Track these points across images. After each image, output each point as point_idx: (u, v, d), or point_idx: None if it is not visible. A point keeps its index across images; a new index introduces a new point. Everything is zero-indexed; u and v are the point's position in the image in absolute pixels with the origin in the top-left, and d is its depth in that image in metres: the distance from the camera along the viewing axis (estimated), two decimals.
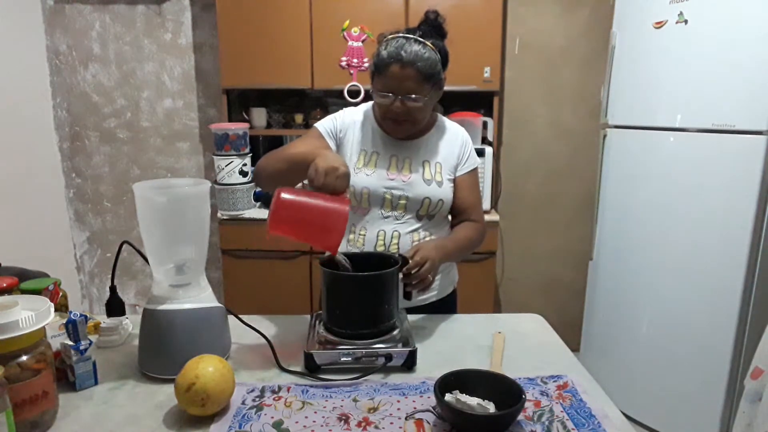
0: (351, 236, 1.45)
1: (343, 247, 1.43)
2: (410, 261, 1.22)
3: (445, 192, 1.43)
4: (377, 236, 1.42)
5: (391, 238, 1.41)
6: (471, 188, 1.50)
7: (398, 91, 1.31)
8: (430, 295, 1.47)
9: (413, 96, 1.31)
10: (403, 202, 1.41)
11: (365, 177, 1.41)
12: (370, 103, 1.51)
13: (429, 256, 1.24)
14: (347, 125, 1.46)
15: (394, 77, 1.30)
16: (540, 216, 3.12)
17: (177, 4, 2.90)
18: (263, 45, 2.62)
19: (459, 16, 2.60)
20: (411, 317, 1.30)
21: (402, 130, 1.40)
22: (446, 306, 1.53)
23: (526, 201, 3.10)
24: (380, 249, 1.41)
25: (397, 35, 1.33)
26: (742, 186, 1.98)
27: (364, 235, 1.42)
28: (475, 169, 1.51)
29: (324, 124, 1.47)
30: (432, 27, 1.36)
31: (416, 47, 1.29)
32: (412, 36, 1.31)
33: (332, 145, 1.44)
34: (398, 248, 1.41)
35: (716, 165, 2.05)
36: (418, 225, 1.43)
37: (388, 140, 1.44)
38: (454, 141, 1.48)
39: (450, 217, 1.54)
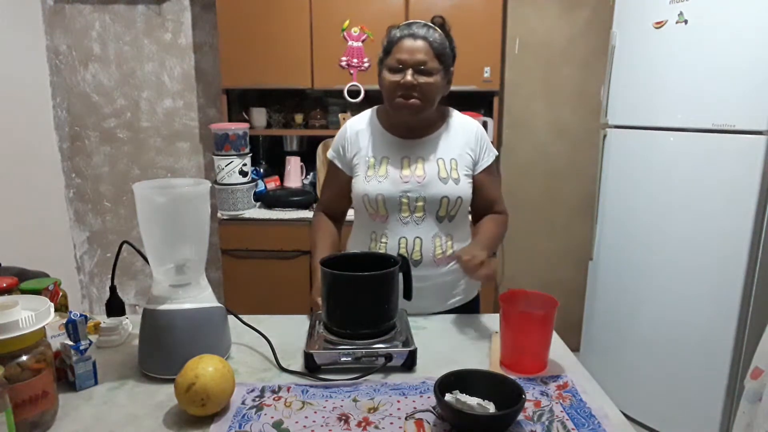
0: (372, 244, 1.43)
1: None
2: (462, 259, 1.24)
3: (462, 189, 1.40)
4: (399, 243, 1.39)
5: (413, 244, 1.39)
6: (493, 182, 1.48)
7: (409, 64, 1.32)
8: (457, 299, 1.47)
9: (424, 68, 1.31)
10: (420, 203, 1.38)
11: (378, 183, 1.39)
12: (373, 109, 1.50)
13: (475, 254, 1.24)
14: (352, 139, 1.46)
15: (406, 50, 1.32)
16: (540, 216, 3.12)
17: (177, 4, 2.90)
18: (263, 45, 2.62)
19: (459, 16, 2.59)
20: (411, 317, 1.30)
21: (410, 108, 1.34)
22: (472, 309, 1.52)
23: (526, 201, 3.10)
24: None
25: (409, 21, 1.37)
26: (742, 186, 1.97)
27: (386, 242, 1.40)
28: (493, 162, 1.48)
29: (333, 154, 1.50)
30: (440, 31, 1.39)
31: (427, 28, 1.34)
32: (424, 22, 1.36)
33: (347, 170, 1.47)
34: (421, 255, 1.39)
35: (716, 165, 2.04)
36: (439, 228, 1.41)
37: (397, 142, 1.42)
38: (468, 136, 1.44)
39: (471, 215, 1.52)
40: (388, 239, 1.40)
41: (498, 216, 1.48)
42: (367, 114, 1.49)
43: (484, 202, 1.47)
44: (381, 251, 1.40)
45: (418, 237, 1.39)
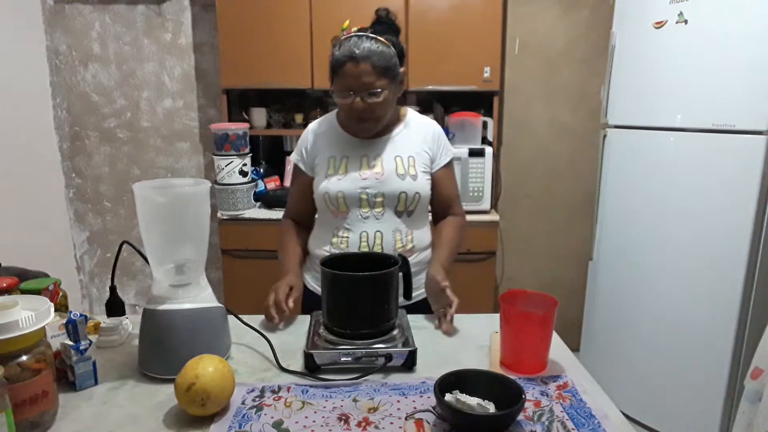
0: (334, 240, 1.44)
1: (326, 250, 1.45)
2: (446, 298, 1.28)
3: (420, 185, 1.43)
4: (360, 238, 1.42)
5: (374, 238, 1.41)
6: (450, 181, 1.52)
7: (356, 88, 1.32)
8: (419, 293, 1.47)
9: (372, 91, 1.32)
10: (379, 199, 1.41)
11: (338, 182, 1.42)
12: (333, 112, 1.53)
13: (449, 289, 1.30)
14: (312, 142, 1.49)
15: (350, 75, 1.32)
16: (540, 216, 3.12)
17: (177, 4, 2.90)
18: (263, 45, 2.62)
19: (459, 16, 2.60)
20: (411, 317, 1.30)
21: (367, 129, 1.40)
22: None
23: (526, 201, 3.10)
24: (364, 250, 1.41)
25: (349, 35, 1.36)
26: (742, 186, 1.97)
27: (347, 237, 1.42)
28: (451, 161, 1.52)
29: (296, 157, 1.52)
30: (384, 24, 1.40)
31: (368, 43, 1.32)
32: (363, 33, 1.35)
33: (309, 171, 1.50)
34: (382, 249, 1.42)
35: (716, 165, 2.04)
36: (399, 222, 1.43)
37: (356, 142, 1.45)
38: (425, 135, 1.48)
39: (431, 212, 1.55)
40: (349, 234, 1.43)
41: (455, 220, 1.52)
42: (327, 117, 1.53)
43: (441, 200, 1.51)
44: (343, 246, 1.42)
45: (378, 231, 1.42)
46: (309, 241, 1.56)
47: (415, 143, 1.46)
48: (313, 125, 1.53)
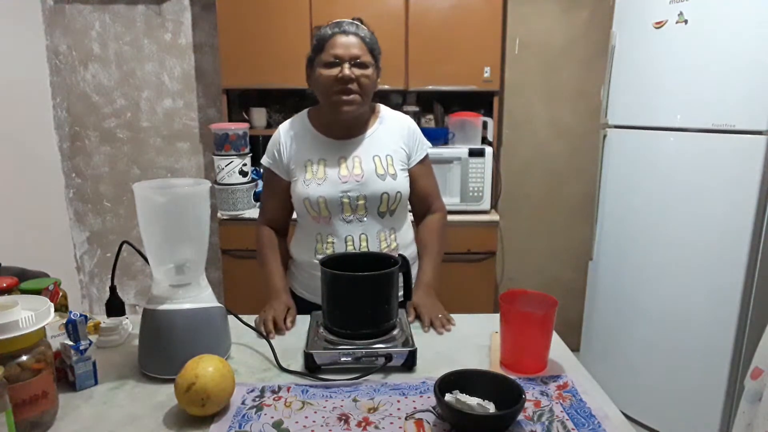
0: (318, 246, 1.43)
1: (312, 257, 1.44)
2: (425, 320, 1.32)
3: (401, 184, 1.43)
4: (345, 242, 1.41)
5: (360, 241, 1.41)
6: (427, 176, 1.52)
7: (345, 57, 1.33)
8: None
9: (359, 61, 1.33)
10: (361, 202, 1.40)
11: (317, 186, 1.39)
12: (304, 112, 1.50)
13: (432, 308, 1.33)
14: (286, 145, 1.46)
15: (340, 45, 1.34)
16: (540, 216, 3.12)
17: (177, 4, 2.90)
18: (263, 45, 2.62)
19: (459, 16, 2.60)
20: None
21: (350, 104, 1.35)
22: None
23: (526, 201, 3.10)
24: None
25: (334, 21, 1.40)
26: (742, 186, 1.97)
27: (333, 242, 1.42)
28: (427, 155, 1.51)
29: (268, 161, 1.49)
30: None
31: (355, 26, 1.38)
32: (348, 20, 1.40)
33: (284, 175, 1.47)
34: (368, 250, 1.41)
35: (716, 165, 2.04)
36: (382, 223, 1.43)
37: (332, 143, 1.43)
38: (401, 131, 1.47)
39: (411, 211, 1.55)
40: (334, 239, 1.41)
41: (435, 221, 1.52)
42: (298, 117, 1.50)
43: (420, 197, 1.51)
44: (329, 251, 1.41)
45: (363, 234, 1.41)
46: (291, 247, 1.54)
47: (392, 140, 1.45)
48: (284, 127, 1.49)
